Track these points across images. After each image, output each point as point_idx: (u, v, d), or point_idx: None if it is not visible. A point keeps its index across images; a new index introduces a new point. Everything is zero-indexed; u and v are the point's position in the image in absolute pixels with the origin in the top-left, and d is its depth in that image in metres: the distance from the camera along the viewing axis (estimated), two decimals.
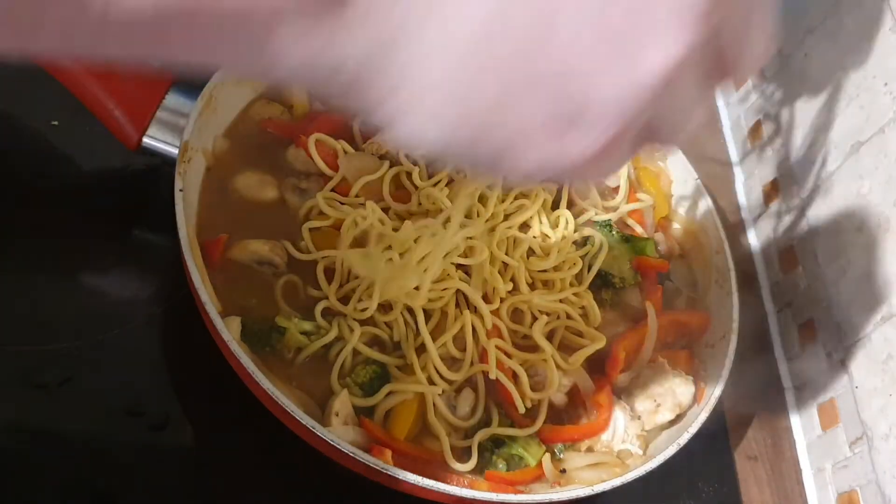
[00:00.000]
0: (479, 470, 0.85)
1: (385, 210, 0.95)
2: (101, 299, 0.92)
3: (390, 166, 0.98)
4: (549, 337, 0.93)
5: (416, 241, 0.89)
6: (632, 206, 1.07)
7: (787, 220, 1.14)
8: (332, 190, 0.96)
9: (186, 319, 0.87)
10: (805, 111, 1.14)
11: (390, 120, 0.37)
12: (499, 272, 0.93)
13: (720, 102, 1.37)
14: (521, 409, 0.88)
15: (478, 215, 0.95)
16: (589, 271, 0.98)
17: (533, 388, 0.89)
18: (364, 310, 0.88)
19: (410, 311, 0.89)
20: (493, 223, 0.95)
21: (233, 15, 0.34)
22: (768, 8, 0.37)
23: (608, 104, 0.35)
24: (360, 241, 0.91)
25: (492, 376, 0.88)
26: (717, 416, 0.93)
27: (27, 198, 0.97)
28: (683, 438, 0.86)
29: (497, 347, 0.89)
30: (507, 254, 0.95)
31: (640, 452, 0.90)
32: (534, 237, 0.98)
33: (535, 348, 0.92)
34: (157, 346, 0.91)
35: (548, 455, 0.86)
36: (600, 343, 0.93)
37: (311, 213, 0.95)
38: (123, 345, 0.89)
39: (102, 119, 0.92)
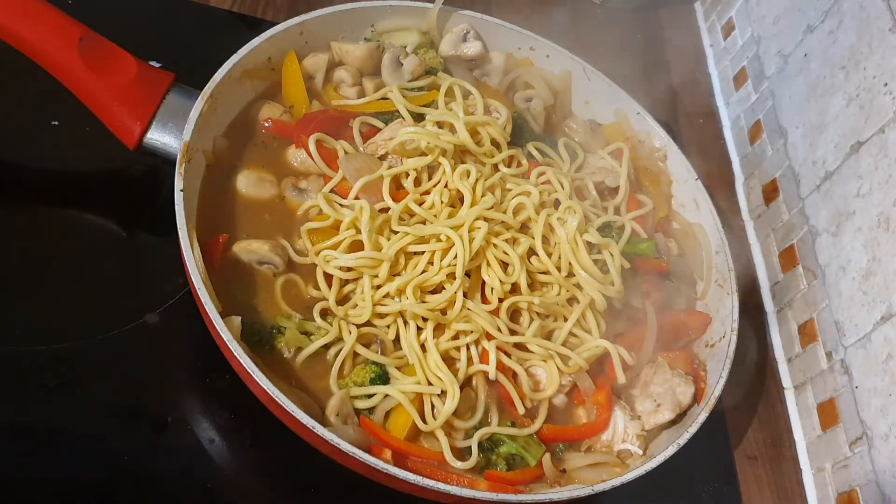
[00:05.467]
0: (479, 470, 0.85)
1: (384, 210, 0.95)
2: (101, 300, 0.92)
3: (390, 167, 0.97)
4: (549, 337, 0.93)
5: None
6: (634, 213, 1.07)
7: (787, 219, 1.14)
8: (332, 190, 0.96)
9: (186, 319, 0.87)
10: (805, 111, 1.14)
11: None
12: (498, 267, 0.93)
13: (720, 102, 1.37)
14: (521, 410, 0.88)
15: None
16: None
17: (533, 388, 0.90)
18: (359, 315, 0.88)
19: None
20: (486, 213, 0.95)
21: None
22: None
23: None
24: (357, 244, 0.91)
25: (491, 377, 0.88)
26: (717, 416, 0.93)
27: (27, 198, 0.98)
28: (683, 438, 0.86)
29: (497, 348, 0.89)
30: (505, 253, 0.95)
31: (640, 452, 0.90)
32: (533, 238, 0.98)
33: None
34: (157, 346, 0.91)
35: (548, 455, 0.87)
36: (600, 346, 0.93)
37: (310, 213, 0.95)
38: (123, 345, 0.89)
39: (102, 119, 0.92)
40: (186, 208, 0.84)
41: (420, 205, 0.95)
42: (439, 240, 0.91)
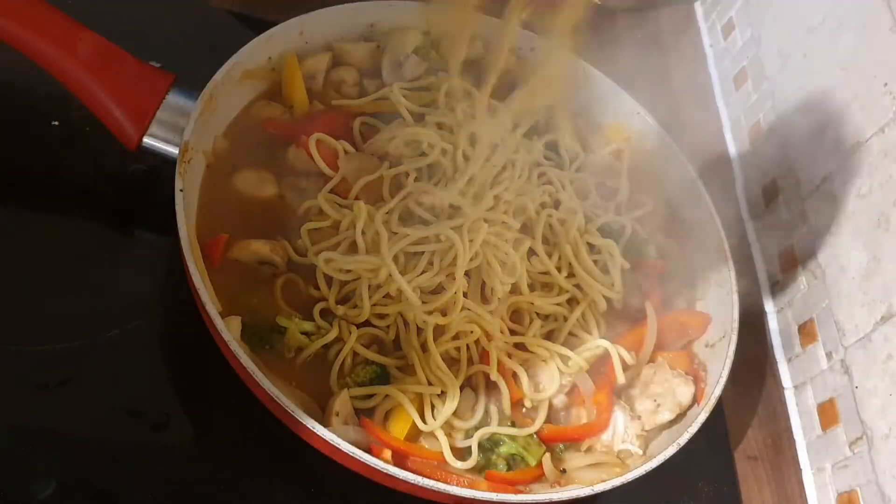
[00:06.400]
0: (479, 470, 0.85)
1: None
2: (101, 299, 0.92)
3: (390, 166, 0.97)
4: (549, 338, 0.93)
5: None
6: (634, 213, 1.07)
7: (787, 220, 1.14)
8: (332, 190, 0.96)
9: (186, 319, 0.87)
10: (805, 111, 1.14)
11: None
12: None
13: (720, 102, 1.37)
14: (508, 412, 0.88)
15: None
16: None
17: (533, 389, 0.90)
18: (358, 315, 0.88)
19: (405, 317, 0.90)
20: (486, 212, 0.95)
21: None
22: None
23: None
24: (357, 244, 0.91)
25: (493, 377, 0.88)
26: (717, 416, 0.93)
27: (27, 198, 0.98)
28: (683, 438, 0.86)
29: (498, 348, 0.89)
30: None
31: (640, 452, 0.90)
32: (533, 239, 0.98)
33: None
34: (157, 346, 0.91)
35: (548, 455, 0.87)
36: (600, 347, 0.93)
37: (309, 213, 0.95)
38: (123, 345, 0.89)
39: (102, 119, 0.92)
40: (186, 208, 0.84)
41: (420, 205, 0.95)
42: (439, 240, 0.91)
